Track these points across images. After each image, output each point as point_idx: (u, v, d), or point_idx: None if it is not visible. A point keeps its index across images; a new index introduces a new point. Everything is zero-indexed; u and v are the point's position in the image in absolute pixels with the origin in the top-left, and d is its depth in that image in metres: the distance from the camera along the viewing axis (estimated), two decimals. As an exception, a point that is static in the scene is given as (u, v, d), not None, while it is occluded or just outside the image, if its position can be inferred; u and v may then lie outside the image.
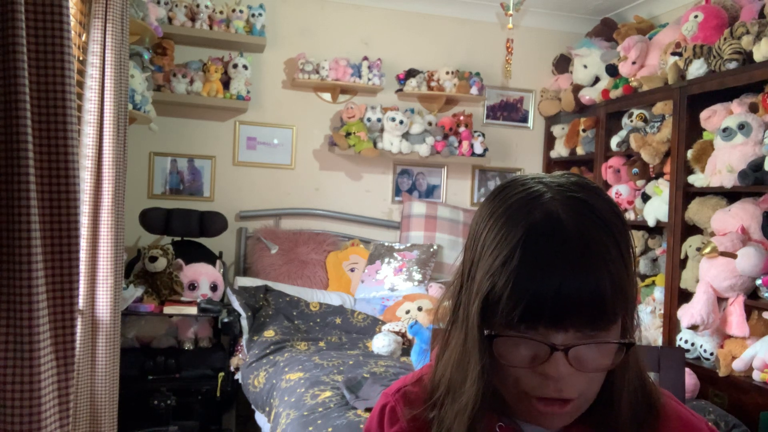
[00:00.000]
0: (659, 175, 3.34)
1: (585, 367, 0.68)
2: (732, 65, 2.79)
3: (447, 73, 3.99)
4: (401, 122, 3.84)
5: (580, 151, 3.99)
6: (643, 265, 3.44)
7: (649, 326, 3.23)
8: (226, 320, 3.15)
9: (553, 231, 0.67)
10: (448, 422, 0.76)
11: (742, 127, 2.72)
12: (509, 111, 4.35)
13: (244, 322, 3.21)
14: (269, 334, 3.11)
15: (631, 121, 3.51)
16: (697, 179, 3.01)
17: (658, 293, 3.26)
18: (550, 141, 4.35)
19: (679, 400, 0.84)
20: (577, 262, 0.66)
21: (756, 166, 2.66)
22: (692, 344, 2.89)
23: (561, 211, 0.68)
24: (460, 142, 4.03)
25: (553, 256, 0.66)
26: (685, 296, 2.99)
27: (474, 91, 4.03)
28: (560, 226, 0.67)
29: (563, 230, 0.67)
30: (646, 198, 3.36)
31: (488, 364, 0.71)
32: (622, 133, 3.59)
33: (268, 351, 3.00)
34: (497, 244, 0.69)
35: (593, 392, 0.72)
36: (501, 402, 0.75)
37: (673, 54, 3.15)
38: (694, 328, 2.75)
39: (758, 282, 2.61)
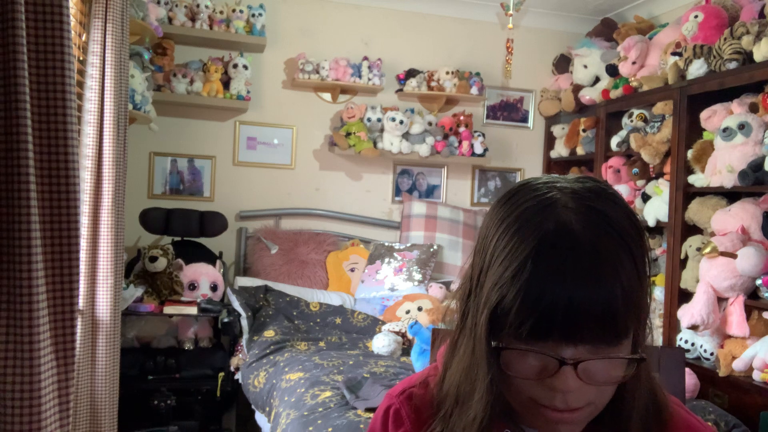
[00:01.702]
0: (659, 175, 3.34)
1: (594, 380, 0.67)
2: (732, 65, 2.79)
3: (447, 73, 3.99)
4: (401, 122, 3.84)
5: (580, 151, 3.99)
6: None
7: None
8: (226, 320, 3.15)
9: (565, 243, 0.65)
10: None
11: (742, 127, 2.72)
12: (509, 111, 4.35)
13: (244, 322, 3.21)
14: (269, 334, 3.11)
15: (631, 121, 3.51)
16: (697, 179, 3.01)
17: (658, 293, 3.26)
18: (550, 141, 4.35)
19: (688, 409, 0.82)
20: (589, 275, 0.64)
21: (756, 166, 2.66)
22: (692, 344, 2.89)
23: (574, 222, 0.66)
24: (460, 142, 4.03)
25: (565, 270, 0.64)
26: (685, 296, 2.99)
27: (474, 91, 4.03)
28: (573, 238, 0.65)
29: (576, 242, 0.65)
30: (646, 198, 3.36)
31: (497, 375, 0.69)
32: (622, 133, 3.59)
33: (268, 351, 3.00)
34: (507, 254, 0.67)
35: (604, 401, 0.70)
36: (508, 408, 0.74)
37: (673, 54, 3.15)
38: (694, 328, 2.74)
39: (758, 282, 2.61)
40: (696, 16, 3.05)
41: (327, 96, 4.01)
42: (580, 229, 0.66)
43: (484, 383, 0.70)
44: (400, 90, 4.05)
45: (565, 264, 0.64)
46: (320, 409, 2.27)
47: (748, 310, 2.69)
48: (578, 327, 0.64)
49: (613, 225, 0.67)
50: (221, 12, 3.61)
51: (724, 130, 2.78)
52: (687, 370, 2.48)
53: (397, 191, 4.16)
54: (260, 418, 2.87)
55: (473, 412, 0.72)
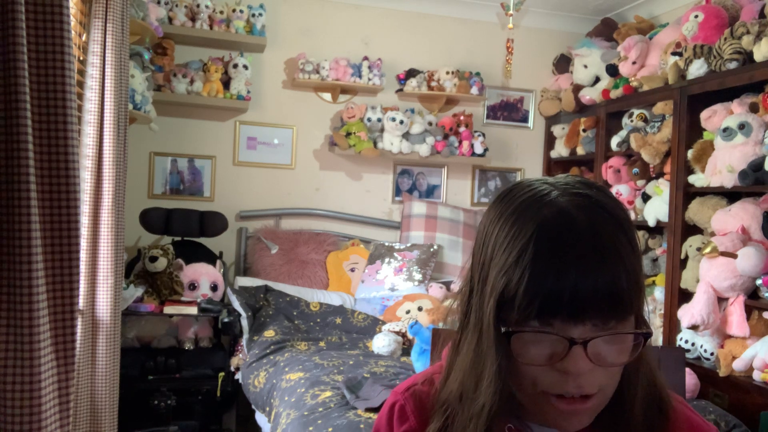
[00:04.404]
0: (659, 175, 3.34)
1: (604, 361, 0.67)
2: (732, 65, 2.79)
3: (447, 73, 3.99)
4: (401, 122, 3.84)
5: (580, 151, 3.99)
6: (643, 265, 3.44)
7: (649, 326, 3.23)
8: (226, 320, 3.15)
9: (564, 225, 0.68)
10: (461, 428, 0.74)
11: (742, 127, 2.72)
12: (509, 111, 4.35)
13: (245, 322, 3.21)
14: (269, 334, 3.11)
15: (632, 121, 3.51)
16: (697, 179, 3.01)
17: (659, 293, 3.26)
18: (550, 141, 4.35)
19: (691, 407, 0.82)
20: (591, 254, 0.66)
21: (756, 166, 2.66)
22: (692, 344, 2.89)
23: (571, 207, 0.69)
24: (460, 142, 4.03)
25: (567, 249, 0.66)
26: (686, 296, 2.99)
27: (474, 91, 4.03)
28: (571, 220, 0.68)
29: (574, 224, 0.68)
30: (646, 198, 3.36)
31: (504, 364, 0.70)
32: (623, 133, 3.59)
33: (268, 351, 2.99)
34: (509, 242, 0.69)
35: (612, 388, 0.70)
36: (512, 404, 0.74)
37: (674, 54, 3.15)
38: (694, 328, 2.74)
39: (758, 282, 2.61)
40: (696, 16, 3.05)
41: (327, 96, 4.01)
42: (577, 213, 0.68)
43: (492, 371, 0.70)
44: (400, 90, 4.04)
45: (566, 244, 0.67)
46: (320, 409, 2.27)
47: (748, 310, 2.69)
48: (585, 306, 0.66)
49: (606, 209, 0.70)
50: (221, 12, 3.61)
51: (725, 130, 2.78)
52: (687, 370, 2.48)
53: (397, 191, 4.16)
54: (260, 418, 2.87)
55: (481, 400, 0.72)
